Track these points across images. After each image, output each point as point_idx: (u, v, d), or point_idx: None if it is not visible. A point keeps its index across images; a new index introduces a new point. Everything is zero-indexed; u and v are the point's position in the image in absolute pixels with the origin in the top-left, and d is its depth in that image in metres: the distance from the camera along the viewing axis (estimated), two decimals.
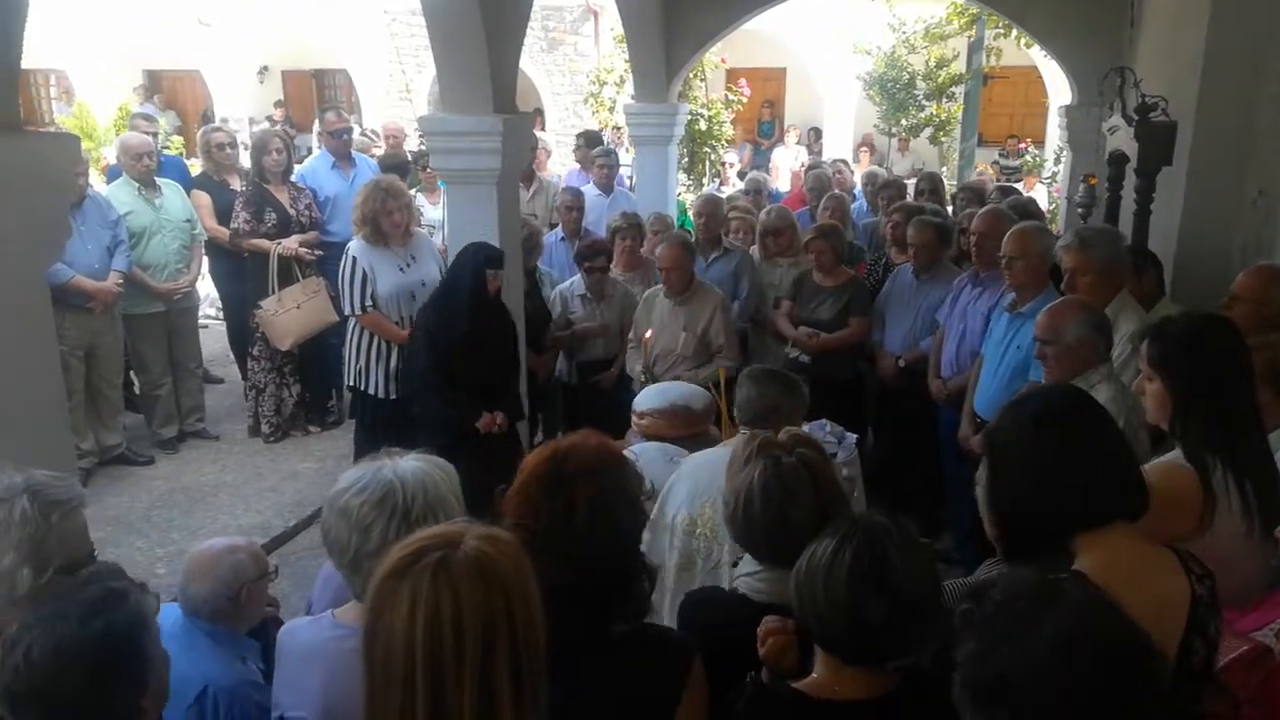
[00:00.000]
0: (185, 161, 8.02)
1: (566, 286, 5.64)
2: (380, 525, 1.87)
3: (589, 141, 8.87)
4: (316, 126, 10.39)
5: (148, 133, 7.19)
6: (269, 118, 17.34)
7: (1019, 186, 9.94)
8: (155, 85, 19.38)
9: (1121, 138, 5.28)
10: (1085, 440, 1.84)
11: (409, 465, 1.96)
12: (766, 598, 2.08)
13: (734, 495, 2.15)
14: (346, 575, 1.97)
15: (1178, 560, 1.76)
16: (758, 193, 8.06)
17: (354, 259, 5.17)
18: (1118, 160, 5.20)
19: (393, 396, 5.11)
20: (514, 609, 1.40)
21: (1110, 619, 1.31)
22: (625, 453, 3.33)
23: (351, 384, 5.39)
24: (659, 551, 2.79)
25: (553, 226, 6.83)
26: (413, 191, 6.29)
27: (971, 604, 1.38)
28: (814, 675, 1.74)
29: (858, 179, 9.25)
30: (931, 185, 7.01)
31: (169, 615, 2.46)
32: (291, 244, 6.00)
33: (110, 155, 7.47)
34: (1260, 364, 2.45)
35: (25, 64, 2.83)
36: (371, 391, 5.19)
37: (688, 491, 2.88)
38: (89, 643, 1.63)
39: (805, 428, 4.34)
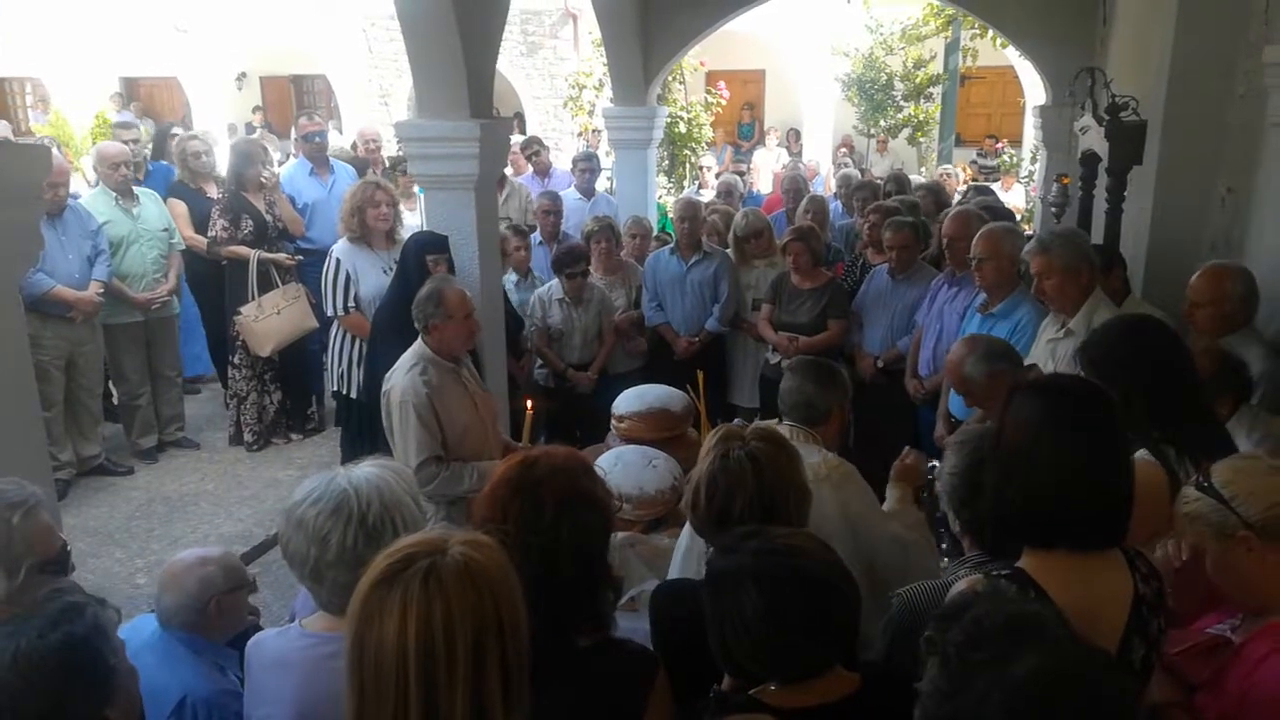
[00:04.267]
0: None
1: (545, 291, 5.65)
2: (337, 534, 1.87)
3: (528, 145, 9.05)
4: (294, 132, 10.37)
5: (128, 141, 7.16)
6: (248, 124, 17.27)
7: (996, 186, 10.04)
8: (132, 92, 19.25)
9: (1093, 137, 5.34)
10: (1114, 443, 1.76)
11: (363, 472, 1.97)
12: None
13: (691, 484, 2.21)
14: (309, 586, 1.98)
15: (1123, 559, 1.75)
16: (729, 194, 8.12)
17: (337, 260, 5.25)
18: (1090, 160, 5.26)
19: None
20: (503, 612, 1.42)
21: (1086, 670, 1.25)
22: (604, 456, 3.38)
23: (335, 389, 5.41)
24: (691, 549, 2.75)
25: (530, 229, 6.85)
26: None
27: (937, 630, 1.35)
28: (771, 686, 1.73)
29: (823, 183, 9.37)
30: (899, 186, 7.15)
31: (147, 625, 2.46)
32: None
33: (87, 164, 7.43)
34: (1205, 368, 2.54)
35: (0, 73, 2.83)
36: (355, 396, 5.19)
37: None
38: (47, 653, 1.63)
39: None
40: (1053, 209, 5.90)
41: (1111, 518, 1.73)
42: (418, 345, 3.78)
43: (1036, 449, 1.72)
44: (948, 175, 9.79)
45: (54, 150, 5.20)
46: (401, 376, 3.70)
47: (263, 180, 6.09)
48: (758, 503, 2.09)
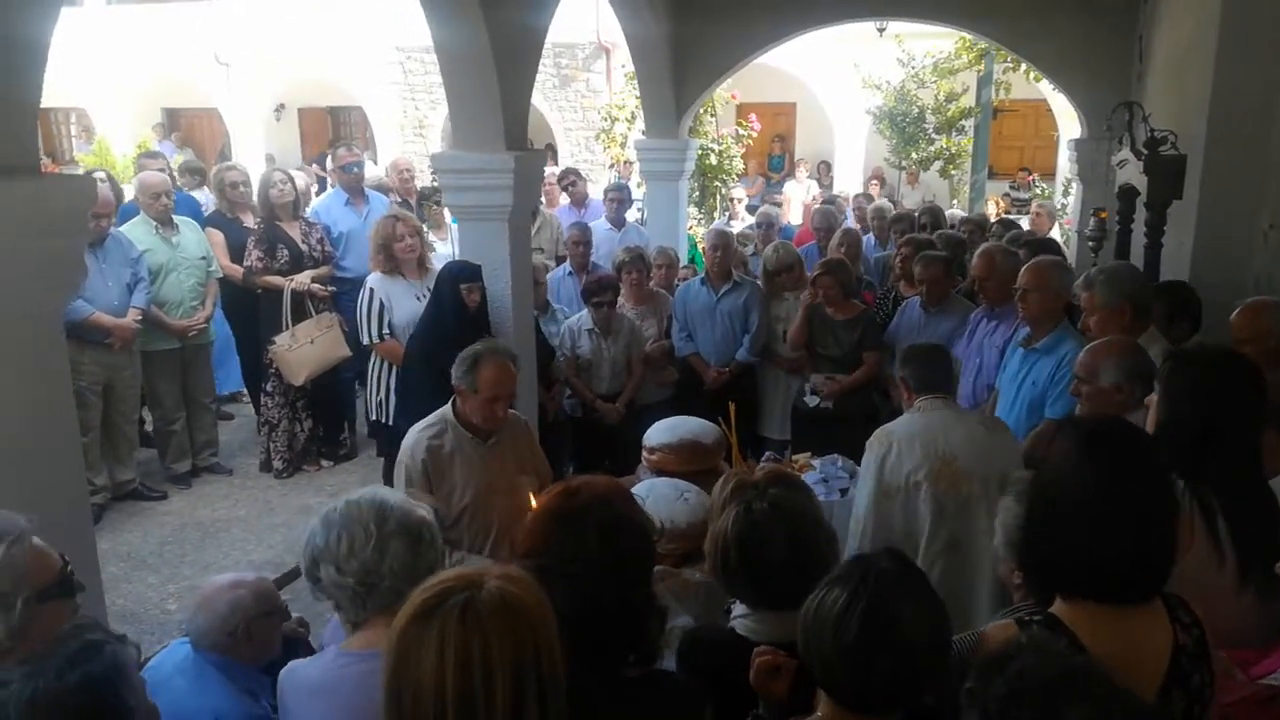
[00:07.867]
0: (193, 196, 8.08)
1: (574, 321, 5.66)
2: (359, 532, 2.02)
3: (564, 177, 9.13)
4: (329, 163, 10.52)
5: (158, 170, 7.30)
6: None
7: (1026, 223, 9.96)
8: (173, 123, 19.70)
9: (1131, 171, 5.28)
10: (1147, 492, 1.69)
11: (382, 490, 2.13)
12: (762, 637, 2.06)
13: (713, 543, 2.16)
14: (356, 596, 2.00)
15: (1164, 608, 1.70)
16: (769, 227, 8.09)
17: (371, 289, 5.38)
18: (1128, 194, 5.20)
19: None
20: (540, 646, 1.41)
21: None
22: (636, 487, 3.36)
23: (373, 417, 5.45)
24: (886, 516, 3.26)
25: (559, 260, 6.87)
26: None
27: (979, 682, 1.33)
28: (818, 714, 1.70)
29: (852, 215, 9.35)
30: (933, 219, 7.12)
31: (180, 650, 2.47)
32: (304, 279, 6.06)
33: (128, 192, 7.58)
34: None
35: (47, 102, 2.88)
36: (391, 423, 5.22)
37: (914, 456, 3.25)
38: (65, 694, 1.60)
39: (817, 463, 4.36)
40: (1090, 243, 5.84)
41: (1146, 569, 1.68)
42: (447, 405, 3.59)
43: (1064, 496, 1.70)
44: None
45: (101, 182, 5.27)
46: (413, 433, 3.55)
47: (279, 191, 6.14)
48: (794, 550, 2.06)
